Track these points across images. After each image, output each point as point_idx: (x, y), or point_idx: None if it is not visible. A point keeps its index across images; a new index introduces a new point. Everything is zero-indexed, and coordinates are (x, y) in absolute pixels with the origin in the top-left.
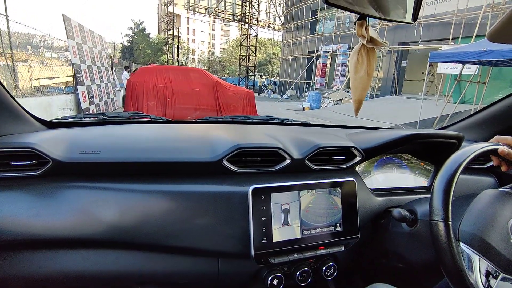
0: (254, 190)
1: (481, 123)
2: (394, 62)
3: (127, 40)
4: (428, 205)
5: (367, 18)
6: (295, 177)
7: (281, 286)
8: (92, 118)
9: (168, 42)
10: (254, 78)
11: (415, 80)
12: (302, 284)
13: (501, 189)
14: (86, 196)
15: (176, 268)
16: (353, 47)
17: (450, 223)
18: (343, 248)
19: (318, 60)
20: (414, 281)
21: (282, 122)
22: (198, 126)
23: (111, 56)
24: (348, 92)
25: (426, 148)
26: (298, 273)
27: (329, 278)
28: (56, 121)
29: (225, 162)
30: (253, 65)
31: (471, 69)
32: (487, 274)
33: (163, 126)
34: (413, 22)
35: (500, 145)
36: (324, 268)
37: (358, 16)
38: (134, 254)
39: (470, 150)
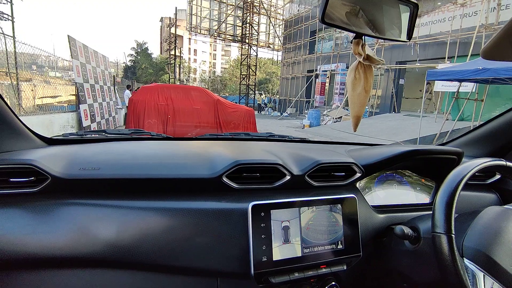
0: (253, 206)
1: (481, 139)
2: (392, 80)
3: (130, 60)
4: (430, 222)
5: (363, 36)
6: (295, 194)
7: None
8: (92, 135)
9: (170, 62)
10: (254, 96)
11: (413, 98)
12: None
13: (506, 206)
14: (84, 214)
15: None
16: None
17: (453, 235)
18: (345, 267)
19: (317, 79)
20: None
21: (282, 139)
22: (198, 143)
23: (113, 75)
24: (347, 109)
25: (426, 165)
26: None
27: None
28: (57, 138)
29: (224, 179)
30: (253, 83)
31: (468, 87)
32: None
33: (163, 143)
34: (407, 40)
35: (503, 161)
36: None
37: (354, 35)
38: (132, 274)
39: (472, 164)
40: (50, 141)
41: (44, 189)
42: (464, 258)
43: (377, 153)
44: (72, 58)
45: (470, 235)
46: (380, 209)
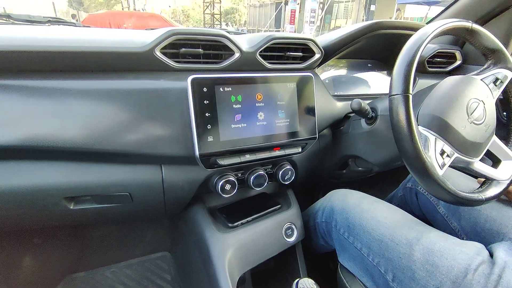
0: (193, 80)
1: (462, 11)
2: (364, 7)
3: None
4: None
5: None
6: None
7: (235, 191)
8: None
9: None
10: (220, 28)
11: None
12: (258, 189)
13: (466, 75)
14: None
15: (112, 178)
16: None
17: (411, 95)
18: (300, 150)
19: (286, 6)
20: (372, 185)
21: (239, 32)
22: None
23: (53, 2)
24: None
25: (391, 49)
26: (252, 177)
27: (286, 183)
28: None
29: (158, 53)
30: (219, 13)
31: (437, 12)
32: (442, 152)
33: (88, 28)
34: None
35: (469, 22)
36: (281, 172)
37: None
38: (57, 164)
39: (437, 24)
40: None
41: None
42: (419, 126)
43: (337, 33)
44: None
45: (426, 103)
46: (340, 97)
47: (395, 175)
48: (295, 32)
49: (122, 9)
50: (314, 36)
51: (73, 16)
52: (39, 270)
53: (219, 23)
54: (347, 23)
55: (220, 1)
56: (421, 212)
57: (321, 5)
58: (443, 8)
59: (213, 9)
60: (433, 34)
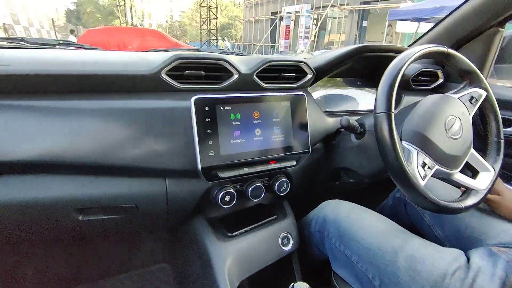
0: (196, 100)
1: (439, 36)
2: (356, 23)
3: (73, 2)
4: None
5: None
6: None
7: (234, 202)
8: (5, 43)
9: (119, 3)
10: (216, 42)
11: (375, 41)
12: (255, 200)
13: (445, 94)
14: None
15: (120, 191)
16: (316, 7)
17: (393, 113)
18: (294, 163)
19: (281, 22)
20: (364, 196)
21: (237, 53)
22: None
23: (52, 18)
24: (312, 54)
25: (377, 69)
26: (250, 189)
27: (282, 194)
28: None
29: (164, 75)
30: (215, 28)
31: (426, 28)
32: (424, 165)
33: (96, 51)
34: None
35: (444, 47)
36: (277, 184)
37: None
38: (69, 178)
39: (415, 49)
40: None
41: None
42: (402, 141)
43: (328, 55)
44: None
45: (409, 119)
46: (331, 113)
47: (385, 186)
48: (290, 46)
49: (120, 24)
50: (308, 50)
51: (72, 31)
52: (40, 283)
53: (215, 38)
54: (340, 38)
55: (216, 17)
56: (410, 221)
57: (314, 21)
58: (432, 24)
59: (209, 25)
60: (412, 58)
